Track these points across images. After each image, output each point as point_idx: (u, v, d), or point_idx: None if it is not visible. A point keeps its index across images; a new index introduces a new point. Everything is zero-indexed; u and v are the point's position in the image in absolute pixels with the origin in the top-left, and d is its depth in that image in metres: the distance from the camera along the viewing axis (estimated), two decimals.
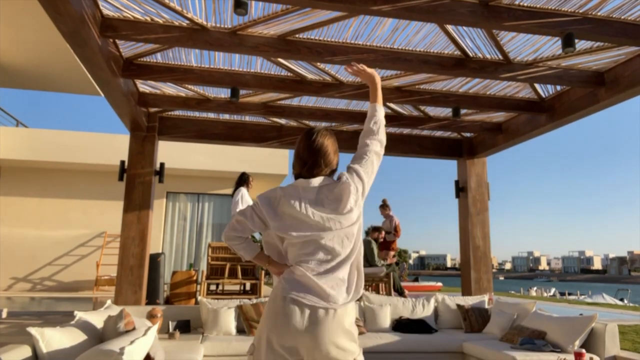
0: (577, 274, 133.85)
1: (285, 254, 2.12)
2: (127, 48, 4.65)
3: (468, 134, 7.16)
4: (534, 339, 4.41)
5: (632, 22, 3.79)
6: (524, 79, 4.69)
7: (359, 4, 3.38)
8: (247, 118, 6.64)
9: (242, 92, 5.39)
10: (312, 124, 6.62)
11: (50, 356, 2.64)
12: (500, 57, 4.54)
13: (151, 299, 6.40)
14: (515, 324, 5.00)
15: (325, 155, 2.15)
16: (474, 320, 5.44)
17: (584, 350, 3.73)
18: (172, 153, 8.78)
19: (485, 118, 6.46)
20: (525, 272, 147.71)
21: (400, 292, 7.79)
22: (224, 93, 5.76)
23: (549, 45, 4.35)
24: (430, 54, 4.53)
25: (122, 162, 6.06)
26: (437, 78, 5.16)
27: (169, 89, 5.68)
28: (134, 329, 3.23)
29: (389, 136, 7.03)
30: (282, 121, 6.66)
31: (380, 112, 2.46)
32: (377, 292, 7.62)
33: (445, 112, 6.22)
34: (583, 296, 25.32)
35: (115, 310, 3.73)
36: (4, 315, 6.59)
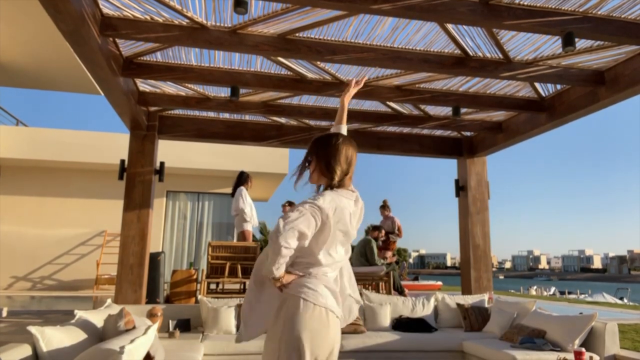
0: (577, 272, 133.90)
1: (293, 262, 2.06)
2: (127, 47, 4.65)
3: (468, 133, 7.16)
4: (534, 338, 4.41)
5: (633, 20, 3.78)
6: (524, 78, 4.69)
7: (359, 3, 3.38)
8: (247, 117, 6.64)
9: (242, 91, 5.38)
10: (312, 123, 6.62)
11: (51, 355, 2.65)
12: (501, 56, 4.53)
13: (151, 298, 6.40)
14: (515, 323, 5.00)
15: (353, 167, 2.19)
16: (474, 319, 5.44)
17: (583, 349, 3.73)
18: (172, 152, 8.76)
19: (485, 117, 6.46)
20: (525, 271, 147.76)
21: (400, 291, 7.80)
22: (224, 92, 5.76)
23: (549, 44, 4.35)
24: (430, 53, 4.52)
25: (122, 161, 6.06)
26: (437, 77, 5.16)
27: (169, 88, 5.68)
28: (134, 327, 3.23)
29: (390, 135, 7.08)
30: (282, 120, 6.65)
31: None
32: (377, 291, 7.62)
33: (445, 111, 6.21)
34: (583, 295, 25.36)
35: (115, 309, 3.73)
36: (4, 314, 6.60)
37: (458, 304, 5.65)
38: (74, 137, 10.29)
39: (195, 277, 6.87)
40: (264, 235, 32.41)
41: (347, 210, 2.06)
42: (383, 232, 8.38)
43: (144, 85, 5.62)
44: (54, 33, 6.14)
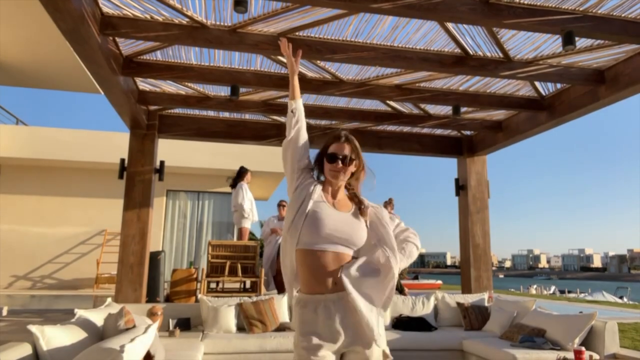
0: (577, 272, 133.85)
1: None
2: (127, 46, 4.65)
3: (468, 132, 7.15)
4: (534, 337, 4.41)
5: (633, 19, 3.78)
6: (524, 76, 4.69)
7: (359, 2, 3.38)
8: (247, 116, 6.64)
9: (242, 90, 5.38)
10: (312, 122, 6.61)
11: (51, 354, 2.65)
12: (501, 55, 4.53)
13: (151, 297, 6.41)
14: (515, 322, 5.00)
15: None
16: (474, 318, 5.44)
17: (583, 348, 3.73)
18: (172, 151, 8.75)
19: (486, 116, 6.45)
20: (525, 270, 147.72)
21: (400, 290, 7.80)
22: (224, 91, 5.76)
23: (549, 43, 4.34)
24: (430, 52, 4.52)
25: (122, 160, 6.06)
26: (437, 76, 5.15)
27: (169, 87, 5.68)
28: (134, 326, 3.24)
29: (390, 134, 7.08)
30: (282, 119, 6.65)
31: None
32: None
33: (445, 110, 6.21)
34: (583, 294, 25.39)
35: (115, 308, 3.74)
36: (5, 313, 6.60)
37: (458, 303, 5.65)
38: (73, 136, 10.29)
39: (195, 276, 6.87)
40: None
41: None
42: None
43: (144, 84, 5.61)
44: (54, 32, 6.12)
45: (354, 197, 2.16)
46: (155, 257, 6.65)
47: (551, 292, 27.42)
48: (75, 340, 2.86)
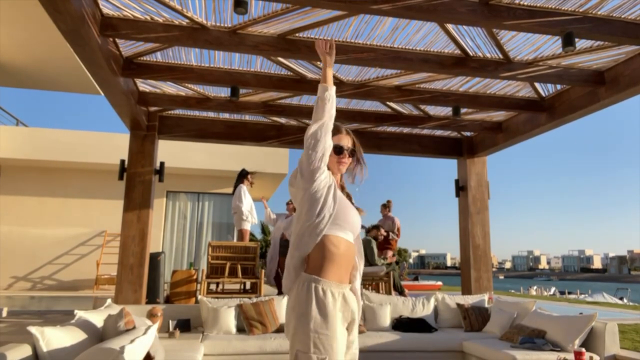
0: (577, 273, 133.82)
1: None
2: (127, 47, 4.65)
3: (468, 133, 7.16)
4: (534, 338, 4.41)
5: (633, 21, 3.78)
6: (524, 78, 4.69)
7: (359, 3, 3.38)
8: (247, 117, 6.64)
9: (242, 91, 5.39)
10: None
11: (51, 355, 2.64)
12: (501, 56, 4.54)
13: (151, 298, 6.40)
14: (515, 323, 5.00)
15: None
16: (474, 319, 5.44)
17: (583, 349, 3.73)
18: (172, 152, 8.76)
19: (486, 117, 6.46)
20: (525, 271, 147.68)
21: (400, 291, 7.79)
22: (224, 92, 5.76)
23: (549, 44, 4.35)
24: (430, 53, 4.52)
25: (122, 161, 6.06)
26: (437, 77, 5.16)
27: (169, 88, 5.68)
28: (134, 327, 3.23)
29: (390, 135, 7.08)
30: (282, 120, 6.65)
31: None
32: (377, 291, 7.62)
33: (445, 111, 6.21)
34: (583, 295, 25.36)
35: (115, 309, 3.73)
36: (4, 314, 6.60)
37: (458, 304, 5.65)
38: (73, 137, 10.28)
39: (195, 277, 6.87)
40: (265, 235, 32.39)
41: None
42: (382, 230, 8.36)
43: (144, 86, 5.62)
44: (54, 33, 6.14)
45: (343, 188, 2.28)
46: (155, 258, 6.65)
47: (551, 293, 27.41)
48: (75, 341, 2.86)
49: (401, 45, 4.44)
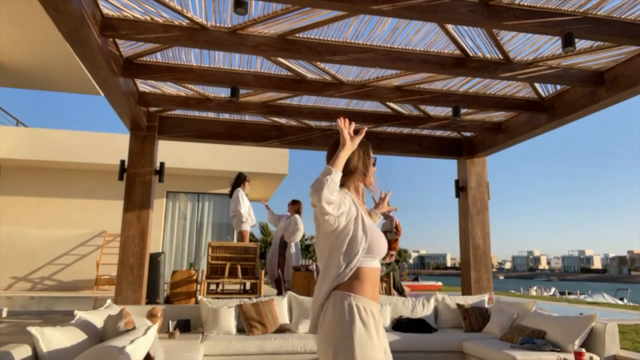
0: (577, 273, 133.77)
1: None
2: (127, 47, 4.65)
3: (468, 134, 7.16)
4: (534, 338, 4.41)
5: (632, 21, 3.78)
6: (524, 78, 4.69)
7: (359, 4, 3.38)
8: (247, 117, 6.64)
9: (242, 91, 5.39)
10: (312, 123, 6.61)
11: (51, 355, 2.64)
12: (501, 56, 4.54)
13: (151, 299, 6.40)
14: (515, 324, 5.00)
15: None
16: (474, 319, 5.44)
17: (583, 350, 3.73)
18: (172, 152, 8.76)
19: (485, 117, 6.46)
20: (525, 272, 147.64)
21: (400, 292, 7.79)
22: (224, 92, 5.76)
23: (549, 45, 4.35)
24: (430, 53, 4.52)
25: (122, 162, 6.06)
26: (437, 77, 5.16)
27: (169, 88, 5.68)
28: (134, 328, 3.23)
29: (390, 135, 7.07)
30: (282, 121, 6.65)
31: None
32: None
33: (445, 111, 6.21)
34: (583, 295, 25.37)
35: (115, 309, 3.73)
36: (4, 314, 6.60)
37: (458, 305, 5.65)
38: (73, 137, 10.28)
39: (195, 277, 6.87)
40: (265, 236, 32.40)
41: None
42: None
43: (144, 86, 5.62)
44: (53, 33, 6.16)
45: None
46: (155, 259, 6.65)
47: (551, 293, 27.42)
48: (75, 341, 2.86)
49: (401, 45, 4.44)
